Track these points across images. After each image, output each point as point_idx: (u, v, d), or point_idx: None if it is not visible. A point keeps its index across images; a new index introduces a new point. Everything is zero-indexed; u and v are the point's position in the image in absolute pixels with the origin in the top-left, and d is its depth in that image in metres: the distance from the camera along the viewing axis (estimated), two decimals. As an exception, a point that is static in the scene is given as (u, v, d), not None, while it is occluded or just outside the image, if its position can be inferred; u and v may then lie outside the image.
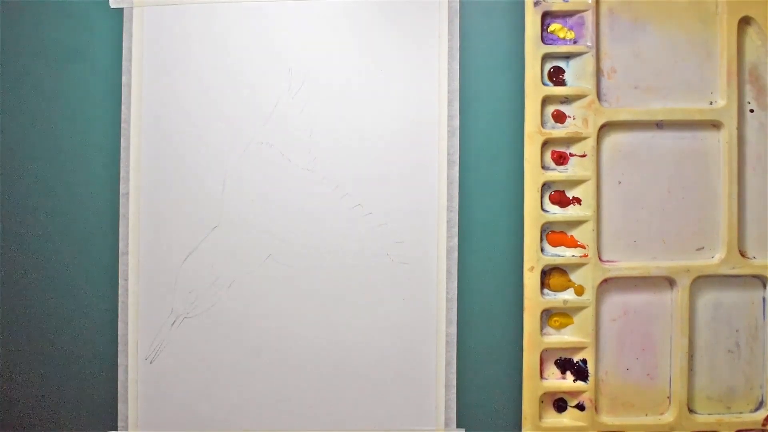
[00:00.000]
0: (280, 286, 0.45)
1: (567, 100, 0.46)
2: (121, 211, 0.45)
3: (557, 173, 0.45)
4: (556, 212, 0.46)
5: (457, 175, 0.45)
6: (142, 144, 0.45)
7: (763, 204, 0.46)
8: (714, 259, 0.46)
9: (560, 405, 0.46)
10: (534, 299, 0.45)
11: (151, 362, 0.45)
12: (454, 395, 0.45)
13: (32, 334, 0.46)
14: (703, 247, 0.46)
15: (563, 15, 0.46)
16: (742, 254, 0.46)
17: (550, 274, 0.46)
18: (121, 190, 0.45)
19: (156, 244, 0.45)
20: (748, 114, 0.46)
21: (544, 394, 0.45)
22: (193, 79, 0.46)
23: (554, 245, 0.46)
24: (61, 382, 0.46)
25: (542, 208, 0.45)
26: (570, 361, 0.45)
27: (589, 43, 0.45)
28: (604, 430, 0.45)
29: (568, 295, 0.45)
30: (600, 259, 0.45)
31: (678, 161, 0.46)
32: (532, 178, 0.45)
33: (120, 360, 0.45)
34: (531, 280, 0.45)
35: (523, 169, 0.45)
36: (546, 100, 0.45)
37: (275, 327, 0.45)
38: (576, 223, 0.45)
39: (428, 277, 0.45)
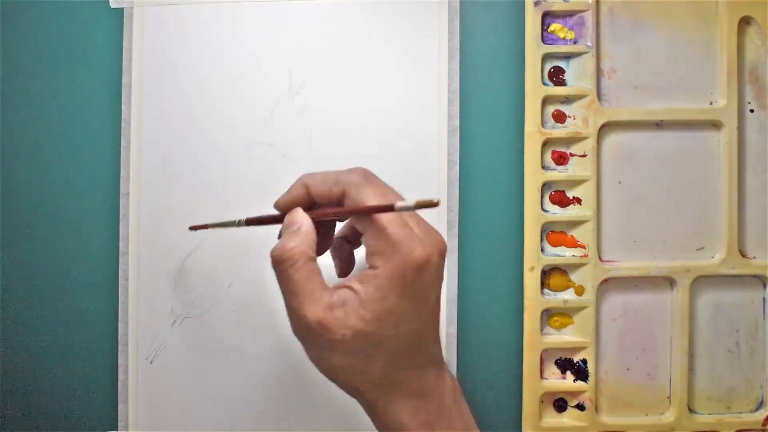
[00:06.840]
0: (280, 286, 0.45)
1: (567, 100, 0.46)
2: (121, 211, 0.45)
3: (557, 173, 0.45)
4: (556, 212, 0.46)
5: (457, 175, 0.45)
6: (142, 144, 0.45)
7: (763, 204, 0.46)
8: (714, 259, 0.46)
9: (560, 405, 0.46)
10: (534, 299, 0.45)
11: (151, 362, 0.45)
12: (454, 395, 0.45)
13: (32, 334, 0.46)
14: (703, 247, 0.46)
15: (563, 15, 0.46)
16: (742, 254, 0.46)
17: (550, 274, 0.46)
18: (121, 190, 0.45)
19: (156, 244, 0.45)
20: (748, 114, 0.46)
21: (544, 394, 0.45)
22: (193, 78, 0.46)
23: (554, 245, 0.46)
24: (61, 382, 0.46)
25: (542, 208, 0.45)
26: (570, 361, 0.45)
27: (589, 43, 0.45)
28: (604, 430, 0.45)
29: (569, 295, 0.45)
30: (600, 259, 0.45)
31: (678, 161, 0.46)
32: (532, 178, 0.45)
33: (120, 360, 0.45)
34: (531, 280, 0.45)
35: (523, 169, 0.45)
36: (546, 100, 0.45)
37: (276, 327, 0.45)
38: (576, 223, 0.45)
39: (428, 277, 0.45)
